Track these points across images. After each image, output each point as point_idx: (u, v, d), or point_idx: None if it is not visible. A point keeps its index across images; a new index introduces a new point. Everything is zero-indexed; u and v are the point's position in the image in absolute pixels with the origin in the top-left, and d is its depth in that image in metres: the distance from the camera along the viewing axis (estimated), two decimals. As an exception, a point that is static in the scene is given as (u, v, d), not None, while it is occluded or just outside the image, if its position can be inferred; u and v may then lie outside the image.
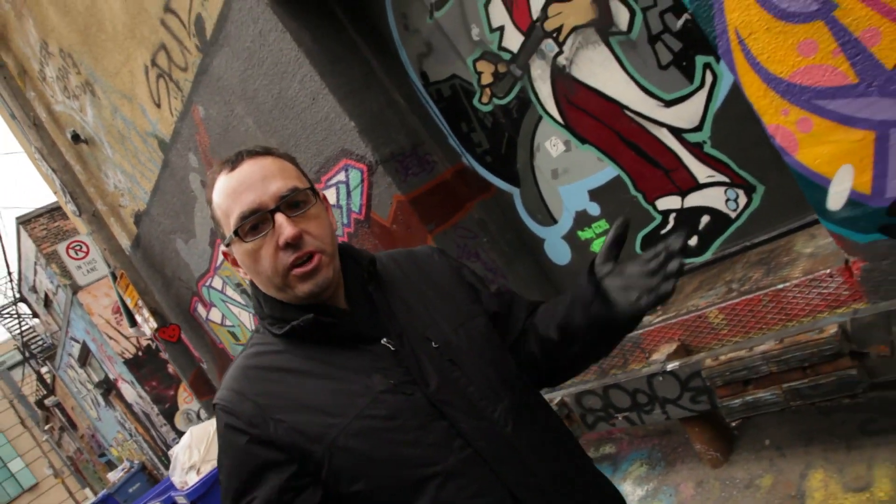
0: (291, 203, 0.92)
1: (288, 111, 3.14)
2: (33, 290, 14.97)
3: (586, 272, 0.98)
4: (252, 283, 0.99)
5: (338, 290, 0.98)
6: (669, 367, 2.26)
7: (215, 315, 5.36)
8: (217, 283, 4.97)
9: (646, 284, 0.89)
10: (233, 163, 0.95)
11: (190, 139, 4.01)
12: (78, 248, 5.61)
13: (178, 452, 4.43)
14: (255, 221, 0.90)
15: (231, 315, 5.11)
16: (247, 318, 4.95)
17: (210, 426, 4.42)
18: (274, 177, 0.92)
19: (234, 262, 0.99)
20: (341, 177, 3.12)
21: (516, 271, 3.09)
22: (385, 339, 0.95)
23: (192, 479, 4.17)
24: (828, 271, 1.95)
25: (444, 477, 0.88)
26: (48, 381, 17.95)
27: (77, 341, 12.05)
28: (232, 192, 0.92)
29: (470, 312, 1.06)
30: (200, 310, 5.55)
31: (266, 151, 0.96)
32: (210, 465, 4.18)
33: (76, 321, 11.03)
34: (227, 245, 0.97)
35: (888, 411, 2.01)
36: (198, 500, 3.97)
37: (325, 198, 1.01)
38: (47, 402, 18.66)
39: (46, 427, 21.36)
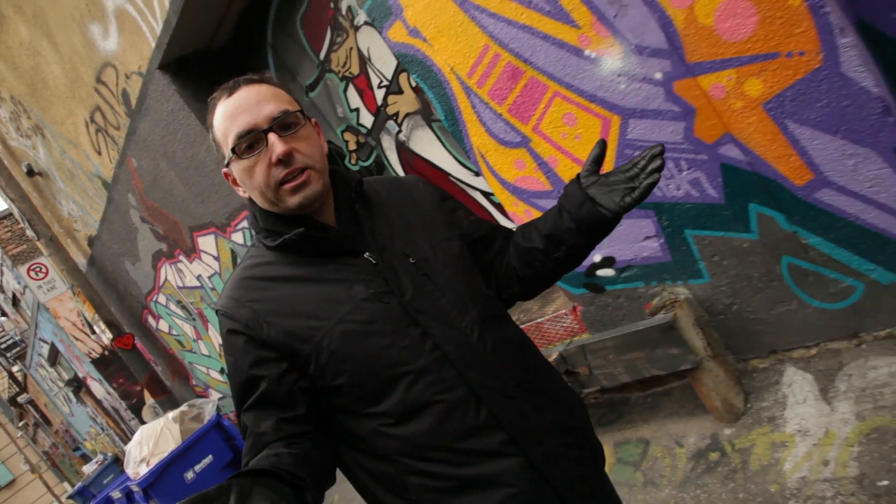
0: (283, 124, 0.99)
1: (200, 170, 3.85)
2: (0, 289, 15.41)
3: (573, 183, 1.11)
4: (250, 200, 1.08)
5: (327, 208, 1.07)
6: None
7: (163, 325, 6.07)
8: (162, 299, 5.67)
9: (629, 186, 1.03)
10: (230, 89, 1.02)
11: (127, 183, 4.69)
12: (38, 269, 6.25)
13: (131, 448, 5.16)
14: (251, 141, 0.98)
15: (176, 326, 5.82)
16: (189, 329, 5.68)
17: (157, 425, 5.15)
18: (267, 101, 1.00)
19: (234, 182, 1.08)
20: (244, 224, 3.85)
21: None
22: (367, 254, 1.04)
23: (143, 470, 4.91)
24: (565, 311, 2.76)
25: (414, 374, 0.99)
26: (20, 379, 18.41)
27: (46, 342, 12.62)
28: (229, 115, 0.99)
29: (447, 234, 1.15)
30: (151, 321, 6.25)
31: (261, 79, 1.04)
32: (157, 458, 4.92)
33: (44, 324, 11.59)
34: (227, 165, 1.04)
35: (613, 409, 2.84)
36: (148, 487, 4.70)
37: (316, 122, 1.09)
38: (20, 399, 19.13)
39: (21, 424, 21.80)
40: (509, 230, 1.25)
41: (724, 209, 2.03)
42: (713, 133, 1.91)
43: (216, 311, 1.07)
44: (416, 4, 2.28)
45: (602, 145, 1.08)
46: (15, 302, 15.18)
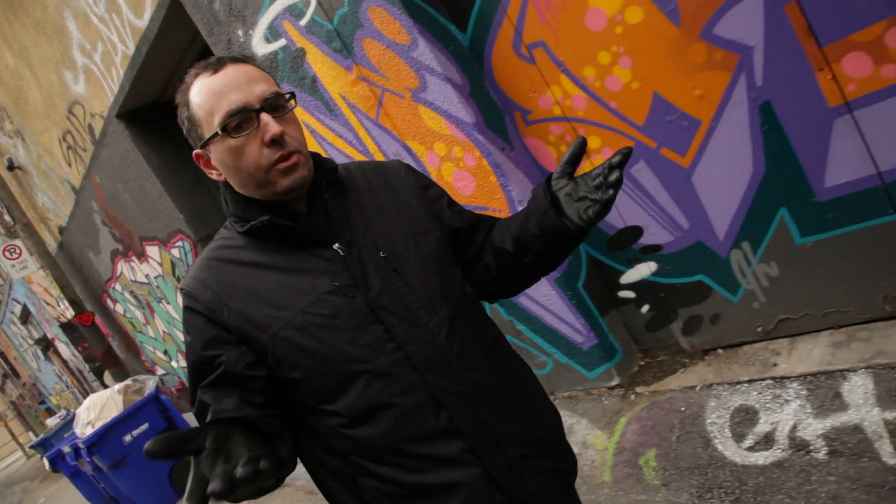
0: (273, 106, 0.96)
1: (146, 199, 4.74)
2: (-21, 246, 16.15)
3: (541, 186, 1.03)
4: (224, 183, 1.03)
5: (301, 195, 1.02)
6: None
7: (119, 308, 6.97)
8: (118, 287, 6.56)
9: (593, 197, 0.96)
10: (215, 66, 0.97)
11: (91, 192, 5.56)
12: (12, 250, 7.07)
13: (80, 412, 6.08)
14: (241, 119, 0.94)
15: (129, 310, 6.72)
16: (140, 315, 6.58)
17: (104, 395, 6.06)
18: (257, 80, 0.96)
19: (207, 164, 1.02)
20: (179, 244, 4.76)
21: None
22: (336, 245, 1.00)
23: (89, 431, 5.85)
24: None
25: (373, 374, 0.95)
26: (-8, 332, 19.15)
27: (18, 302, 13.41)
28: (217, 91, 0.94)
29: (425, 226, 1.09)
30: (109, 303, 7.14)
31: (246, 59, 1.00)
32: (101, 422, 5.84)
33: (17, 285, 12.38)
34: (204, 146, 0.99)
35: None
36: (91, 445, 5.65)
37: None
38: (-9, 350, 19.89)
39: (-10, 373, 22.55)
40: (494, 221, 1.19)
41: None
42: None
43: (179, 289, 1.04)
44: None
45: (580, 143, 0.98)
46: (-8, 258, 15.91)
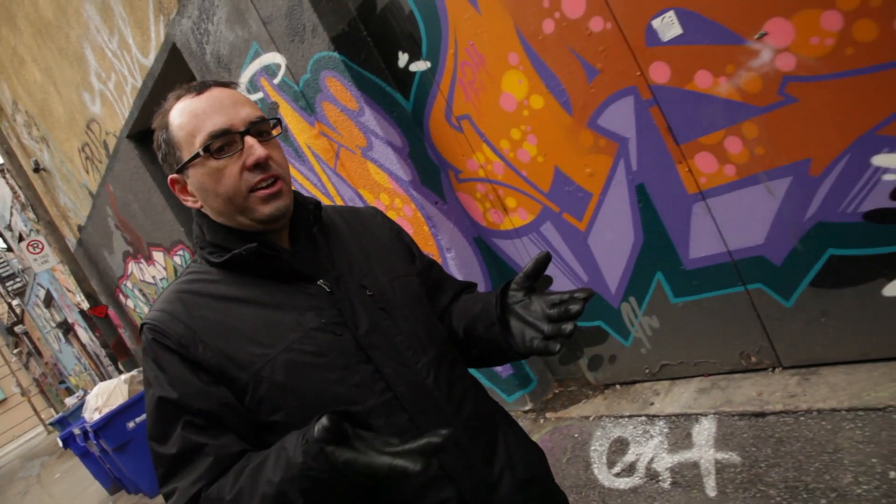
0: (258, 131, 0.93)
1: (153, 210, 5.22)
2: (9, 228, 16.92)
3: (498, 294, 0.99)
4: (198, 212, 0.98)
5: (283, 230, 0.99)
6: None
7: (130, 303, 7.50)
8: (129, 284, 7.08)
9: (541, 329, 0.90)
10: (198, 89, 0.94)
11: (106, 199, 6.06)
12: (35, 244, 7.65)
13: (90, 398, 6.61)
14: (225, 142, 0.90)
15: (138, 305, 7.24)
16: (147, 311, 7.09)
17: (112, 383, 6.59)
18: (243, 104, 0.93)
19: (183, 190, 0.98)
20: (180, 253, 5.23)
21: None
22: (322, 281, 0.96)
23: (96, 416, 6.38)
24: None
25: (362, 416, 0.88)
26: (17, 312, 20.10)
27: (43, 287, 14.16)
28: (200, 112, 0.91)
29: (406, 270, 1.09)
30: (121, 297, 7.68)
31: (230, 84, 0.98)
32: (108, 409, 6.37)
33: (42, 272, 13.10)
34: (181, 170, 0.94)
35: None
36: (98, 429, 6.17)
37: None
38: (17, 329, 20.86)
39: (16, 350, 23.60)
40: (459, 290, 1.19)
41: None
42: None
43: (142, 326, 0.94)
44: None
45: (543, 259, 0.93)
46: (20, 240, 16.70)
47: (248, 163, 0.90)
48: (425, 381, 0.97)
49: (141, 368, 6.91)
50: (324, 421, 0.74)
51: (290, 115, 3.13)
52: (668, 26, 1.96)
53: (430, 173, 2.83)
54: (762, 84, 1.86)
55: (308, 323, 0.92)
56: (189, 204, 0.98)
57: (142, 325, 0.94)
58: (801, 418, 2.05)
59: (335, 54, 2.68)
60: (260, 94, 3.23)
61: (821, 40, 1.72)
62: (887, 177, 1.77)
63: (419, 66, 2.68)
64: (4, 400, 31.73)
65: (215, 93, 0.94)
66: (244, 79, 3.27)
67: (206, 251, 0.97)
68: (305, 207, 1.01)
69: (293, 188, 1.00)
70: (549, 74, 2.31)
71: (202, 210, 0.98)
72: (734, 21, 1.83)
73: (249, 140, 0.91)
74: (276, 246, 0.96)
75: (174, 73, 3.92)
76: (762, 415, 2.15)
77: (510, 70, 2.40)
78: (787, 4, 1.73)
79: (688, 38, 1.94)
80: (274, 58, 3.00)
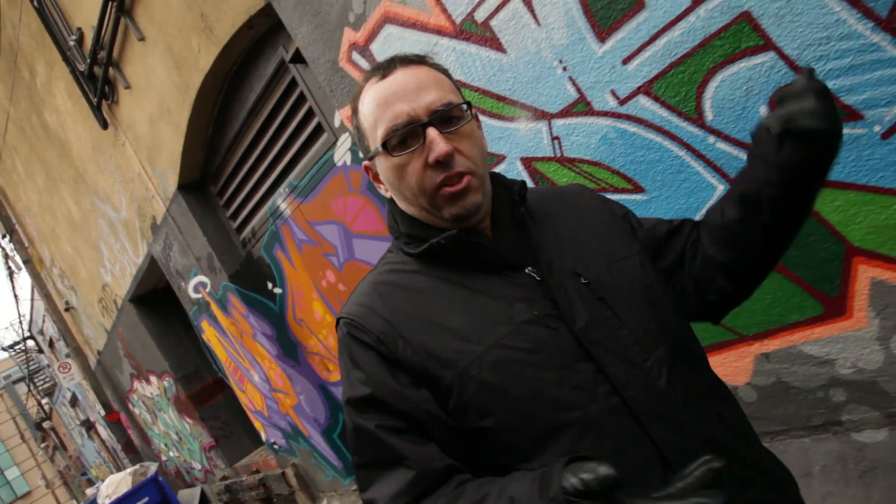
0: (445, 118, 0.85)
1: (148, 350, 7.31)
2: (41, 332, 19.28)
3: (757, 134, 0.85)
4: (391, 200, 0.95)
5: (484, 217, 0.91)
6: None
7: (136, 411, 9.52)
8: (135, 397, 9.12)
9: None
10: (384, 70, 0.88)
11: (116, 336, 8.18)
12: (65, 366, 9.86)
13: (102, 487, 8.52)
14: (405, 135, 0.84)
15: (143, 414, 9.25)
16: (149, 418, 9.07)
17: (120, 475, 8.50)
18: (428, 88, 0.85)
19: (376, 177, 0.95)
20: (168, 380, 7.27)
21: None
22: (530, 268, 0.88)
23: (107, 502, 8.27)
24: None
25: (582, 426, 0.79)
26: (46, 410, 22.22)
27: (69, 390, 16.29)
28: (383, 101, 0.86)
29: (625, 251, 0.96)
30: (130, 406, 9.71)
31: (420, 59, 0.89)
32: (116, 495, 8.25)
33: (69, 377, 15.25)
34: (371, 158, 0.91)
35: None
36: (107, 515, 8.02)
37: (476, 115, 0.92)
38: (45, 425, 22.91)
39: (42, 445, 25.55)
40: (696, 222, 1.02)
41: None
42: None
43: (337, 320, 0.90)
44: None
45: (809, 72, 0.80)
46: (51, 344, 19.02)
47: (429, 160, 0.84)
48: (657, 381, 0.84)
49: (142, 463, 8.83)
50: (603, 470, 0.65)
51: (216, 312, 5.23)
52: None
53: (290, 348, 4.87)
54: None
55: (519, 315, 0.84)
56: (381, 191, 0.95)
57: (338, 318, 0.91)
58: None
59: (231, 284, 4.79)
60: (199, 296, 5.35)
61: None
62: None
63: (278, 290, 4.77)
64: (28, 493, 33.02)
65: (399, 76, 0.87)
66: (191, 285, 5.40)
67: (402, 241, 0.94)
68: (510, 190, 0.94)
69: (495, 171, 0.96)
70: (337, 305, 4.36)
71: (394, 200, 0.95)
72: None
73: (431, 133, 0.84)
74: (477, 232, 0.90)
75: (153, 270, 6.09)
76: None
77: (314, 300, 4.47)
78: None
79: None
80: (203, 279, 5.13)
